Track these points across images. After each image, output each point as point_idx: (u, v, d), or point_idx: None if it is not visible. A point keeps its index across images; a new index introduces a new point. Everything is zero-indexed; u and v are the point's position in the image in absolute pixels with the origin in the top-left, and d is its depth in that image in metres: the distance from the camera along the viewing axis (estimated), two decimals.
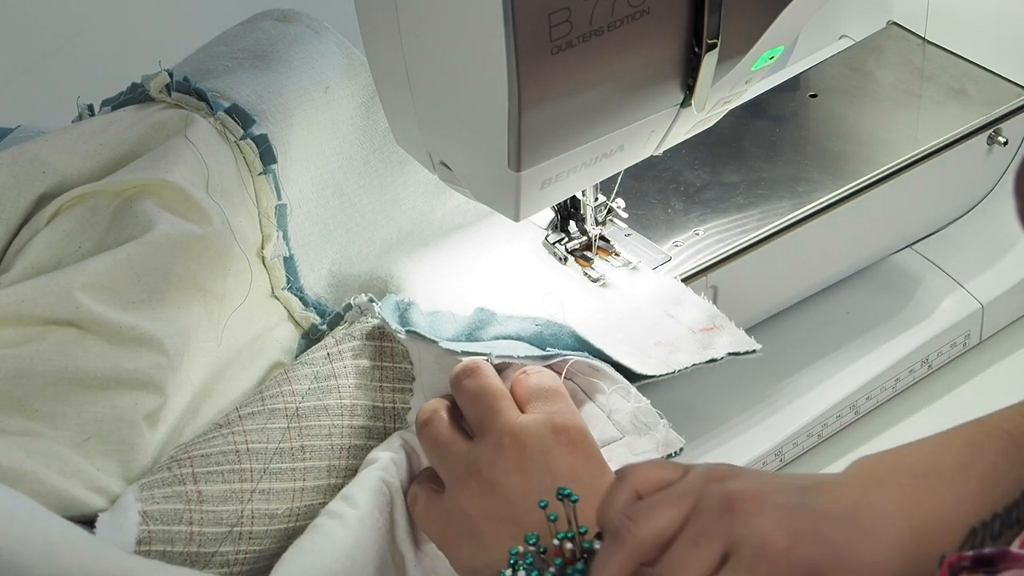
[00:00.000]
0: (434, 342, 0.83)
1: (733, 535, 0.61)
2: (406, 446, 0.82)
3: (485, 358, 0.82)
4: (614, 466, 0.79)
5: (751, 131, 1.03)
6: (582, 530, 0.69)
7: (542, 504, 0.70)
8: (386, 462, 0.81)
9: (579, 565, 0.68)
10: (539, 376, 0.80)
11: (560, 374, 0.82)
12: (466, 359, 0.81)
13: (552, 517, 0.70)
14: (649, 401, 0.82)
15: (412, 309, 0.86)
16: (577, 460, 0.74)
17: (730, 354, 0.84)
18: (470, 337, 0.85)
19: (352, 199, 0.94)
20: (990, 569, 0.57)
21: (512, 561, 0.69)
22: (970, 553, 0.58)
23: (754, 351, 0.85)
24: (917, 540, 0.63)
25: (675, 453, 0.81)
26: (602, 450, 0.79)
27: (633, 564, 0.63)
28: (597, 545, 0.67)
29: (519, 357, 0.82)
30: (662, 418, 0.82)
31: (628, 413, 0.81)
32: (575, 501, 0.70)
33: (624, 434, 0.81)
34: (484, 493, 0.74)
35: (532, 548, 0.69)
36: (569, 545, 0.68)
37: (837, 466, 0.95)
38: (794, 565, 0.61)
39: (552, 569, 0.68)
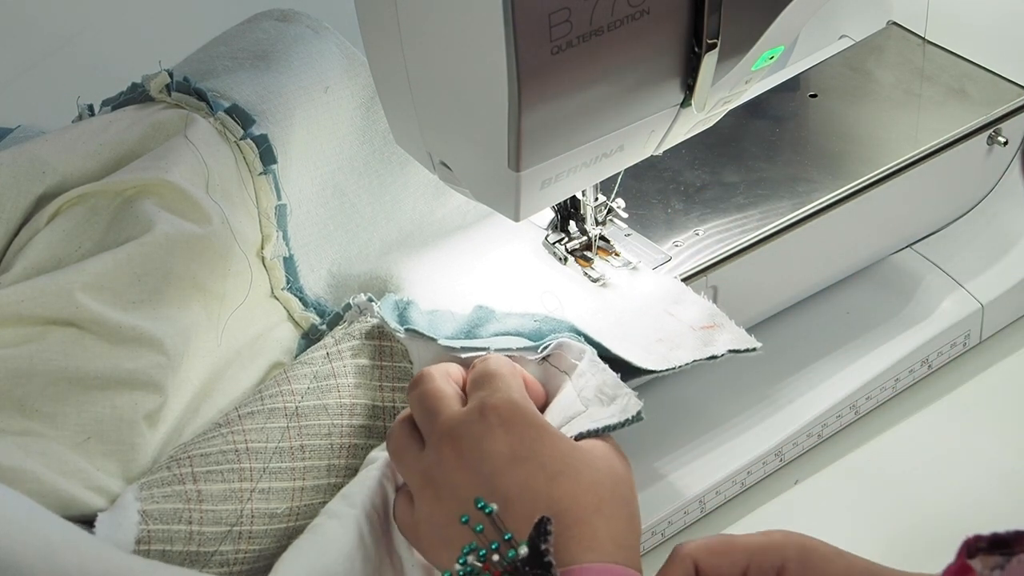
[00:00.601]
0: (433, 339, 0.83)
1: None
2: None
3: (483, 353, 0.82)
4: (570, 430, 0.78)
5: (751, 131, 1.03)
6: (507, 536, 0.69)
7: (463, 520, 0.70)
8: (384, 462, 0.81)
9: None
10: (483, 363, 0.79)
11: (559, 369, 0.82)
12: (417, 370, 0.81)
13: (478, 528, 0.70)
14: (619, 375, 0.80)
15: (411, 308, 0.86)
16: (512, 438, 0.73)
17: (731, 351, 0.84)
18: (469, 335, 0.85)
19: (352, 199, 0.94)
20: (1007, 551, 0.58)
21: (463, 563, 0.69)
22: (987, 534, 0.58)
23: (754, 349, 0.85)
24: None
25: (633, 417, 0.77)
26: (567, 425, 0.79)
27: None
28: (523, 551, 0.67)
29: (517, 349, 0.82)
30: (627, 387, 0.79)
31: (594, 387, 0.80)
32: (489, 512, 0.70)
33: (587, 406, 0.80)
34: (440, 499, 0.73)
35: (463, 565, 0.69)
36: (495, 557, 0.68)
37: (837, 466, 0.95)
38: None
39: None
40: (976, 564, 0.59)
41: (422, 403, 0.77)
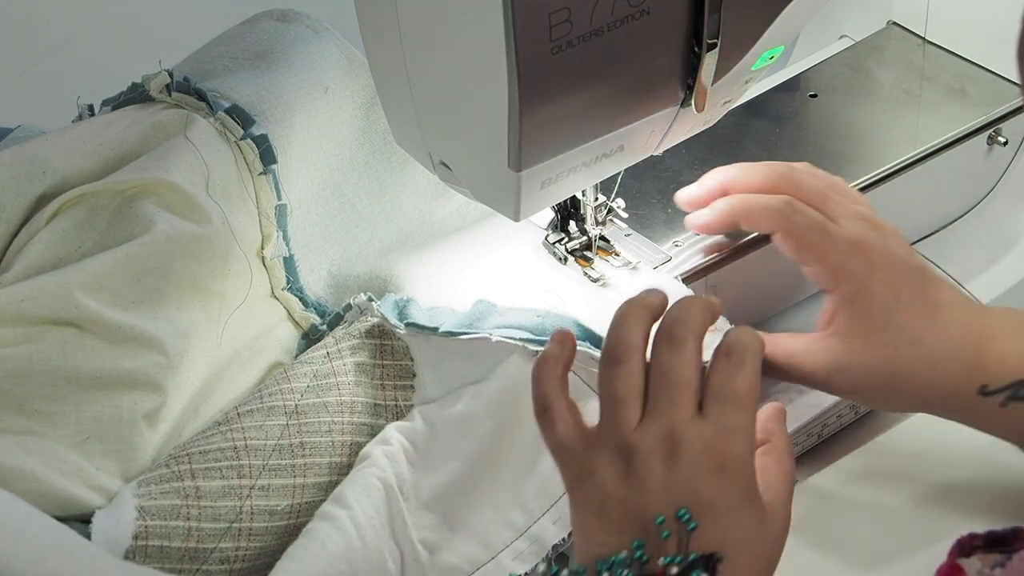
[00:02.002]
0: (434, 330, 0.83)
1: None
2: (398, 438, 0.82)
3: (485, 335, 0.82)
4: None
5: (751, 131, 1.03)
6: (691, 557, 0.67)
7: (658, 520, 0.68)
8: (378, 457, 0.80)
9: None
10: (736, 372, 0.72)
11: None
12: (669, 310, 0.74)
13: (665, 535, 0.68)
14: None
15: (411, 305, 0.86)
16: (722, 487, 0.70)
17: None
18: (470, 328, 0.85)
19: (352, 200, 0.94)
20: (1005, 548, 0.58)
21: (609, 565, 0.67)
22: (982, 532, 0.58)
23: None
24: (976, 354, 0.78)
25: None
26: None
27: None
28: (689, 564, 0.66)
29: (518, 339, 0.82)
30: None
31: None
32: (692, 529, 0.68)
33: None
34: (628, 481, 0.70)
35: (636, 559, 0.67)
36: (674, 571, 0.66)
37: (837, 466, 0.95)
38: None
39: None
40: (974, 563, 0.58)
41: (666, 377, 0.71)
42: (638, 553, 0.67)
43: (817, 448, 0.96)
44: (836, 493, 0.93)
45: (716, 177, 0.86)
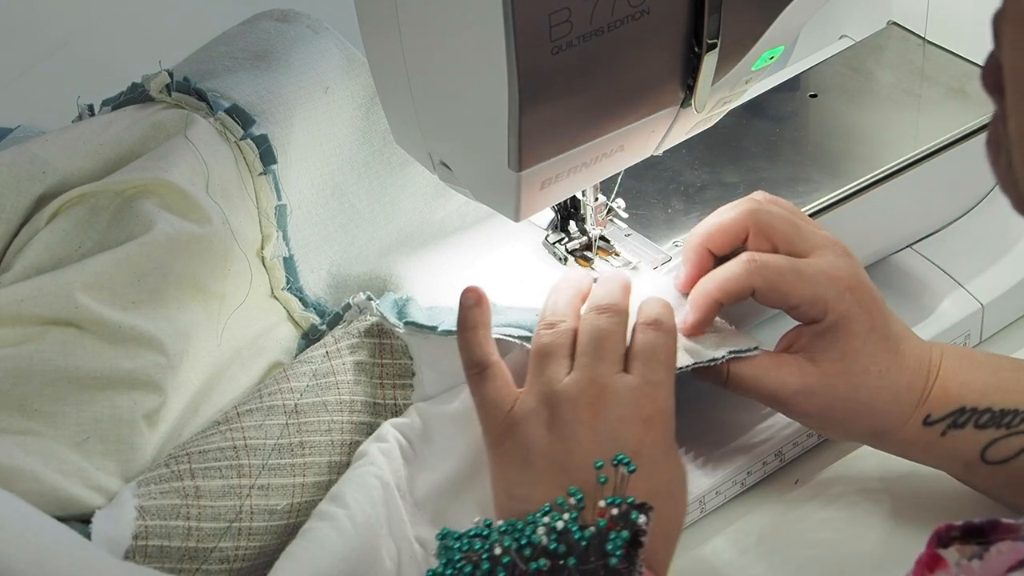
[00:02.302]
0: (433, 328, 0.83)
1: None
2: (395, 435, 0.82)
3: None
4: None
5: (751, 131, 1.03)
6: (629, 500, 0.70)
7: (597, 464, 0.71)
8: (375, 455, 0.81)
9: (624, 534, 0.68)
10: (659, 337, 0.77)
11: None
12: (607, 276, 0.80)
13: (602, 479, 0.71)
14: None
15: (410, 304, 0.86)
16: (647, 438, 0.74)
17: (731, 353, 0.84)
18: None
19: (352, 200, 0.94)
20: (982, 540, 0.58)
21: (545, 511, 0.70)
22: (960, 523, 0.58)
23: (755, 348, 0.85)
24: (924, 385, 0.81)
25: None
26: None
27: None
28: (641, 520, 0.69)
29: (517, 338, 0.82)
30: None
31: None
32: (631, 472, 0.71)
33: None
34: (552, 431, 0.74)
35: (574, 504, 0.70)
36: (615, 511, 0.69)
37: (837, 466, 0.95)
38: None
39: (593, 528, 0.69)
40: (952, 554, 0.58)
41: (594, 336, 0.76)
42: (578, 496, 0.70)
43: (817, 448, 0.96)
44: (836, 493, 0.93)
45: (694, 240, 0.85)
